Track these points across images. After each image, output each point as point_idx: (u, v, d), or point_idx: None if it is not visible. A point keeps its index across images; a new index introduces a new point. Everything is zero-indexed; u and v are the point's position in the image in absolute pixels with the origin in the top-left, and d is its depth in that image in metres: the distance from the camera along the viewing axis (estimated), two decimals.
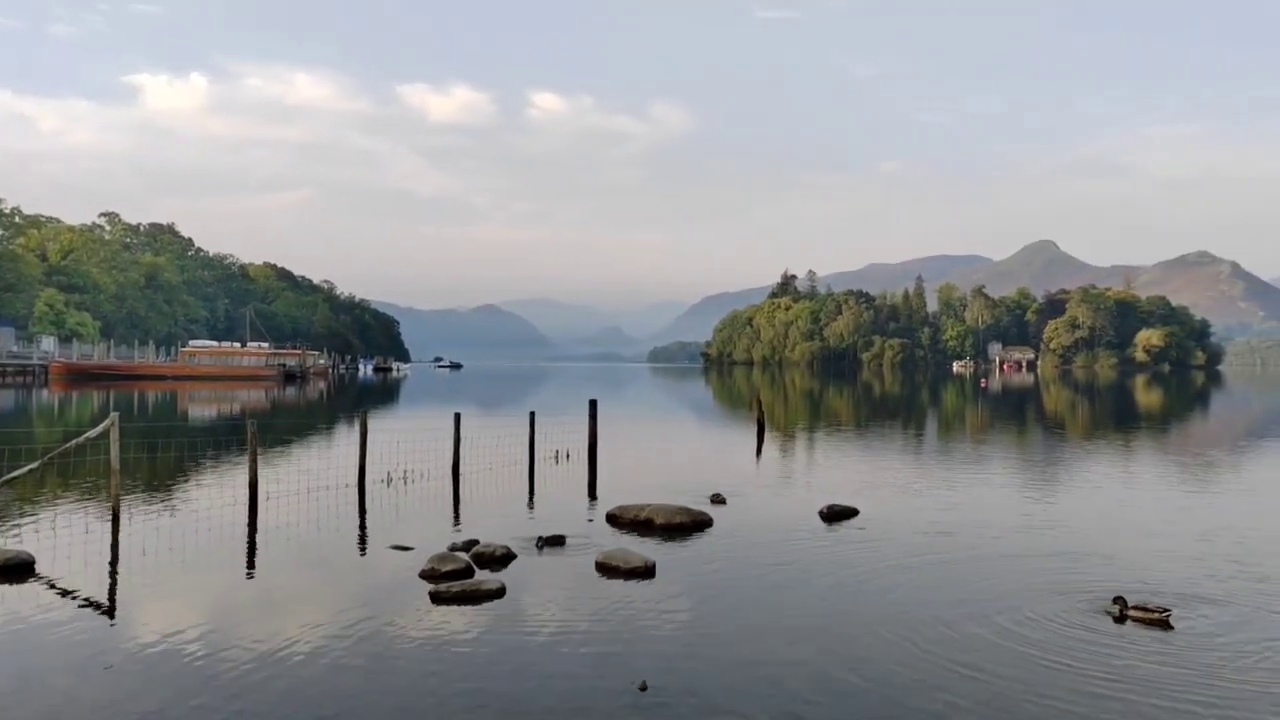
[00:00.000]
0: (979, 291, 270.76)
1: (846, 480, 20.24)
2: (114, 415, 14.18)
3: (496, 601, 9.93)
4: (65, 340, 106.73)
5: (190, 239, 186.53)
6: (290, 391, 72.64)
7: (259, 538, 13.36)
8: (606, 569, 11.34)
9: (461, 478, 19.06)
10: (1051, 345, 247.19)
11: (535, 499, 17.35)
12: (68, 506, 15.67)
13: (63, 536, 13.11)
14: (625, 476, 20.19)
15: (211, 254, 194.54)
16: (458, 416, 20.31)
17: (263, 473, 16.40)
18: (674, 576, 11.14)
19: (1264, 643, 8.76)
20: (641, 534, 13.79)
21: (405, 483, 18.41)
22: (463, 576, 10.76)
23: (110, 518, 13.99)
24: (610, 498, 16.69)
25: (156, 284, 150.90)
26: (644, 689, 7.44)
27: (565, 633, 8.94)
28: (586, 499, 17.41)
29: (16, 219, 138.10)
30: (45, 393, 61.39)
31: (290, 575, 11.30)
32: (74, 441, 14.40)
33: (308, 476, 18.47)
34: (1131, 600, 9.62)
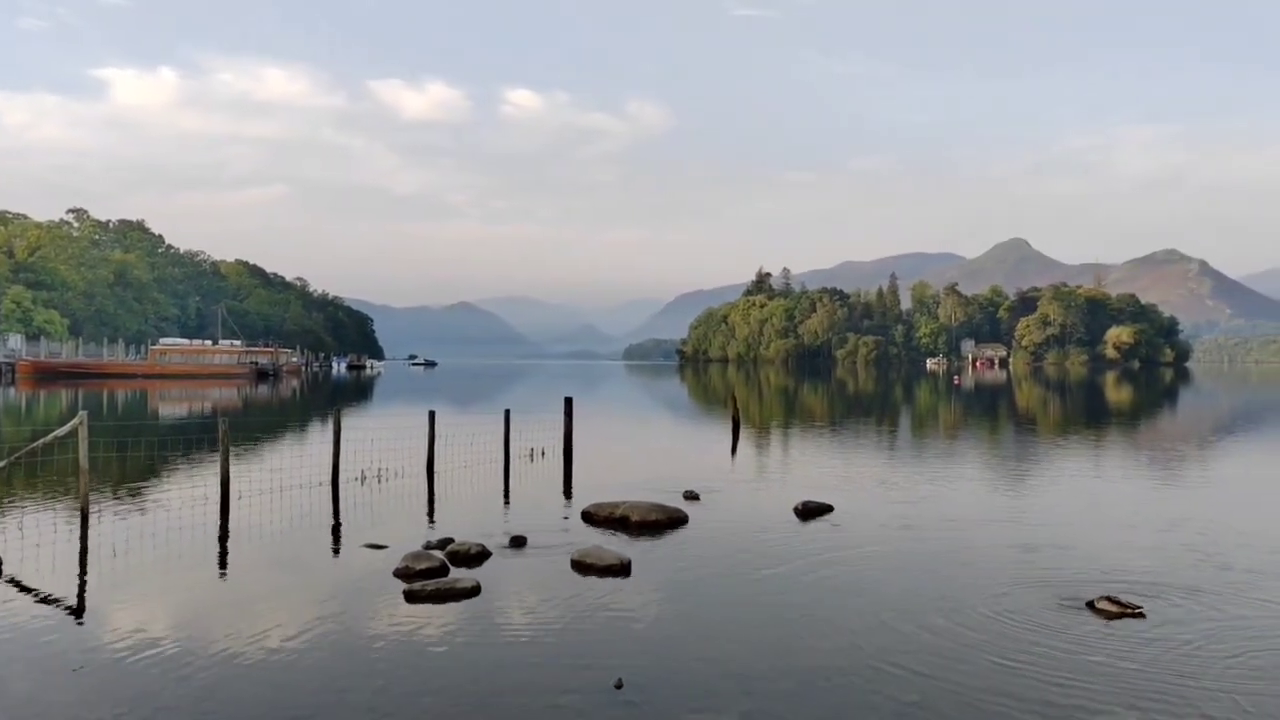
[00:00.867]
0: (952, 289, 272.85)
1: (821, 477, 20.34)
2: (82, 413, 13.97)
3: (471, 600, 9.89)
4: (33, 338, 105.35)
5: (160, 236, 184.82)
6: (263, 390, 72.06)
7: (231, 537, 13.22)
8: (582, 566, 11.33)
9: (436, 476, 18.98)
10: (1023, 342, 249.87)
11: (510, 497, 17.30)
12: (35, 507, 15.44)
13: (30, 537, 12.91)
14: (601, 474, 20.18)
15: (182, 251, 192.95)
16: (432, 414, 20.24)
17: (235, 471, 16.22)
18: (649, 574, 11.15)
19: (1229, 629, 8.97)
20: (617, 531, 13.79)
21: (379, 481, 18.30)
22: (437, 575, 10.71)
23: (79, 518, 13.79)
24: (586, 495, 16.67)
25: (126, 281, 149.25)
26: (619, 686, 7.44)
27: (540, 631, 8.92)
28: (562, 497, 17.38)
29: None
30: (12, 391, 60.51)
31: (263, 575, 11.19)
32: (41, 440, 14.17)
33: (280, 475, 18.31)
34: (1106, 594, 9.78)
